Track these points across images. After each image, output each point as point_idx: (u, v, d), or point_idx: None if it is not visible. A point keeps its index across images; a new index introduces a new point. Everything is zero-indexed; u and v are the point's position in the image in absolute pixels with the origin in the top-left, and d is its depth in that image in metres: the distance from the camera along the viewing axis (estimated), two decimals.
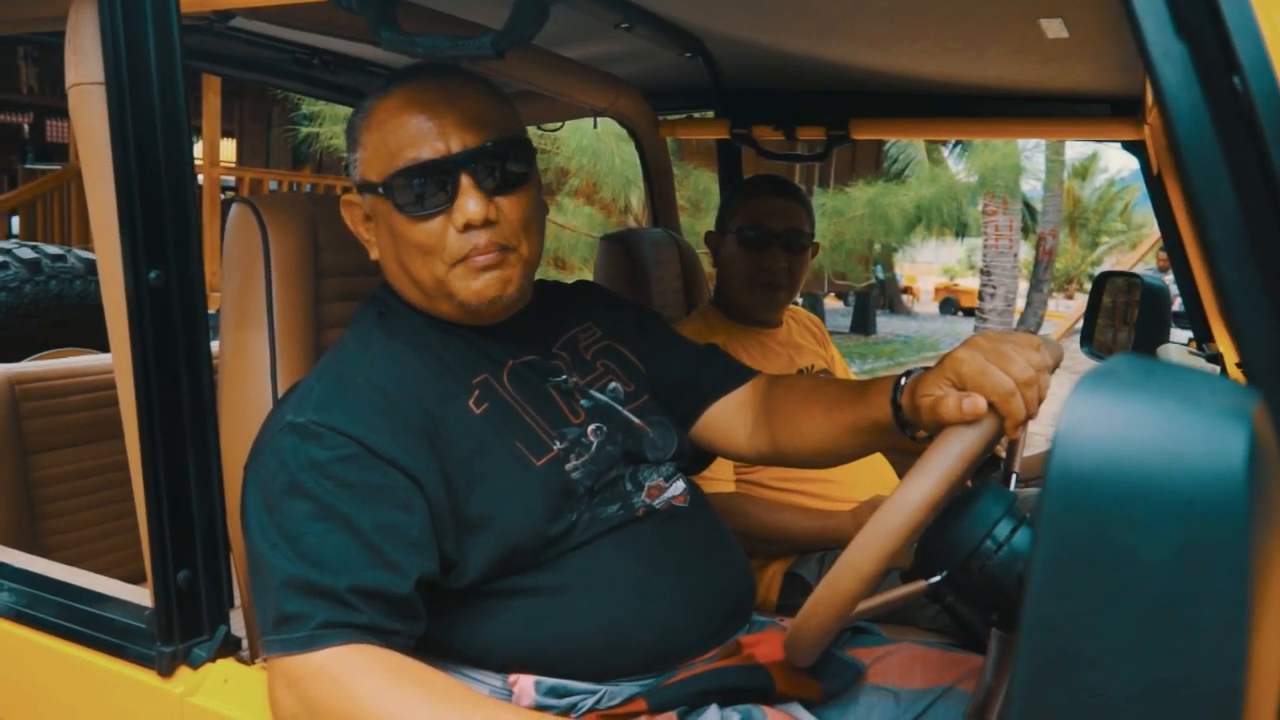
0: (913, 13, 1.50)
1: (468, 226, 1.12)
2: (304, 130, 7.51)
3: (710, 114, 2.41)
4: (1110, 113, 2.00)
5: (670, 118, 2.53)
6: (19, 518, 1.91)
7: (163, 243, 1.10)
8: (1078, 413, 0.46)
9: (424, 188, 1.12)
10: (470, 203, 1.12)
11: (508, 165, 1.16)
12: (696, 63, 2.08)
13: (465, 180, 1.12)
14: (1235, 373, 1.74)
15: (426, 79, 1.16)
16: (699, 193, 7.34)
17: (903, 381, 1.11)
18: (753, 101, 2.30)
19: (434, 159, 1.12)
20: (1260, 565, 0.44)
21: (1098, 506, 0.45)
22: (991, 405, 0.94)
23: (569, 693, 1.12)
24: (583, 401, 1.26)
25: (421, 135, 1.13)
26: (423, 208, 1.13)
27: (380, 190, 1.15)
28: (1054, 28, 1.46)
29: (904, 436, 1.13)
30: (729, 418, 1.37)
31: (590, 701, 1.12)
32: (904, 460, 2.27)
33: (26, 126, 13.26)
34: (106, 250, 1.13)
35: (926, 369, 1.06)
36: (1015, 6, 1.40)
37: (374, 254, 1.23)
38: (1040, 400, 0.97)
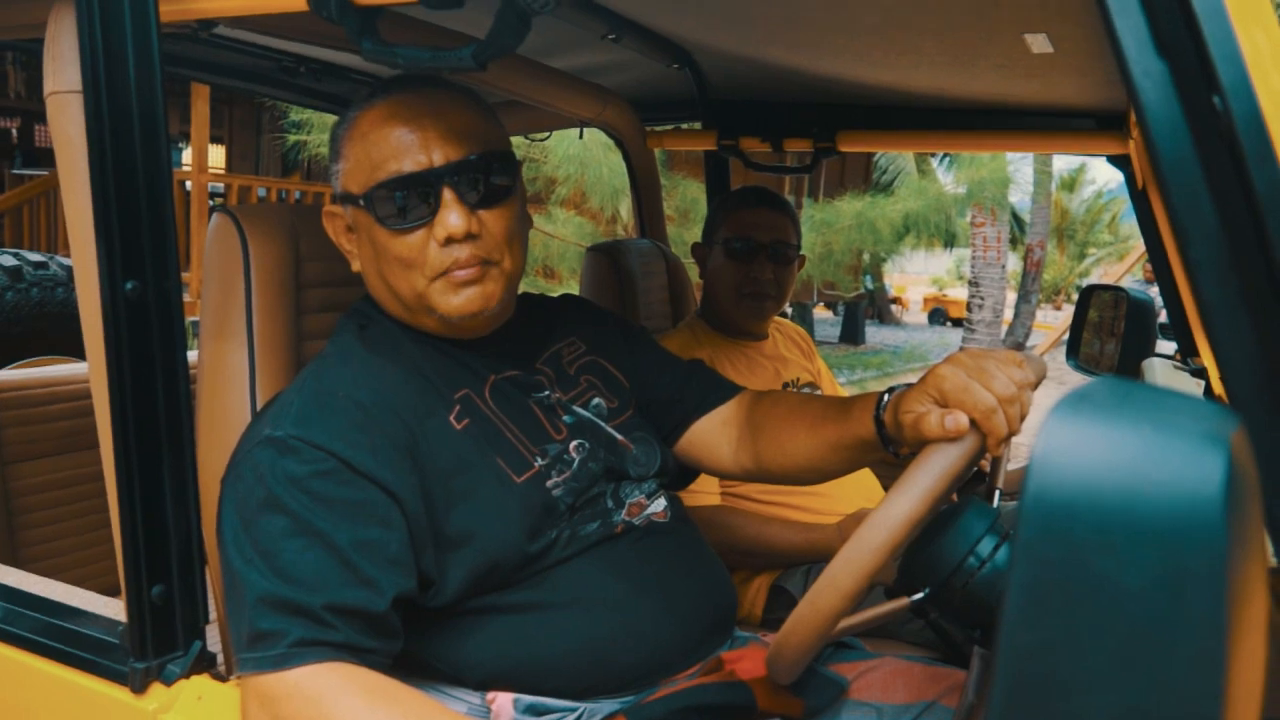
0: (900, 27, 1.51)
1: (449, 240, 1.11)
2: (293, 137, 7.50)
3: (698, 125, 2.41)
4: (1095, 127, 2.01)
5: (658, 129, 2.53)
6: None
7: (140, 253, 1.09)
8: (1054, 437, 0.45)
9: (406, 200, 1.12)
10: (452, 216, 1.11)
11: (491, 178, 1.15)
12: (684, 74, 2.08)
13: (447, 193, 1.11)
14: (1220, 387, 1.74)
15: (410, 91, 1.16)
16: (687, 203, 7.34)
17: (885, 398, 1.10)
18: (740, 113, 2.30)
19: (416, 172, 1.11)
20: (1238, 593, 0.43)
21: (1074, 532, 0.44)
22: (974, 422, 0.94)
23: (548, 710, 1.11)
24: (565, 417, 1.25)
25: (404, 148, 1.12)
26: (404, 221, 1.12)
27: (362, 202, 1.14)
28: (1039, 43, 1.46)
29: (887, 453, 1.12)
30: (713, 434, 1.37)
31: (570, 719, 1.11)
32: (891, 473, 2.26)
33: (14, 131, 13.19)
34: (83, 259, 1.12)
35: (909, 385, 1.06)
36: (1001, 22, 1.40)
37: (356, 266, 1.22)
38: (1023, 417, 0.97)
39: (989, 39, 1.50)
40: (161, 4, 1.08)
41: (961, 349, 1.04)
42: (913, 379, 1.07)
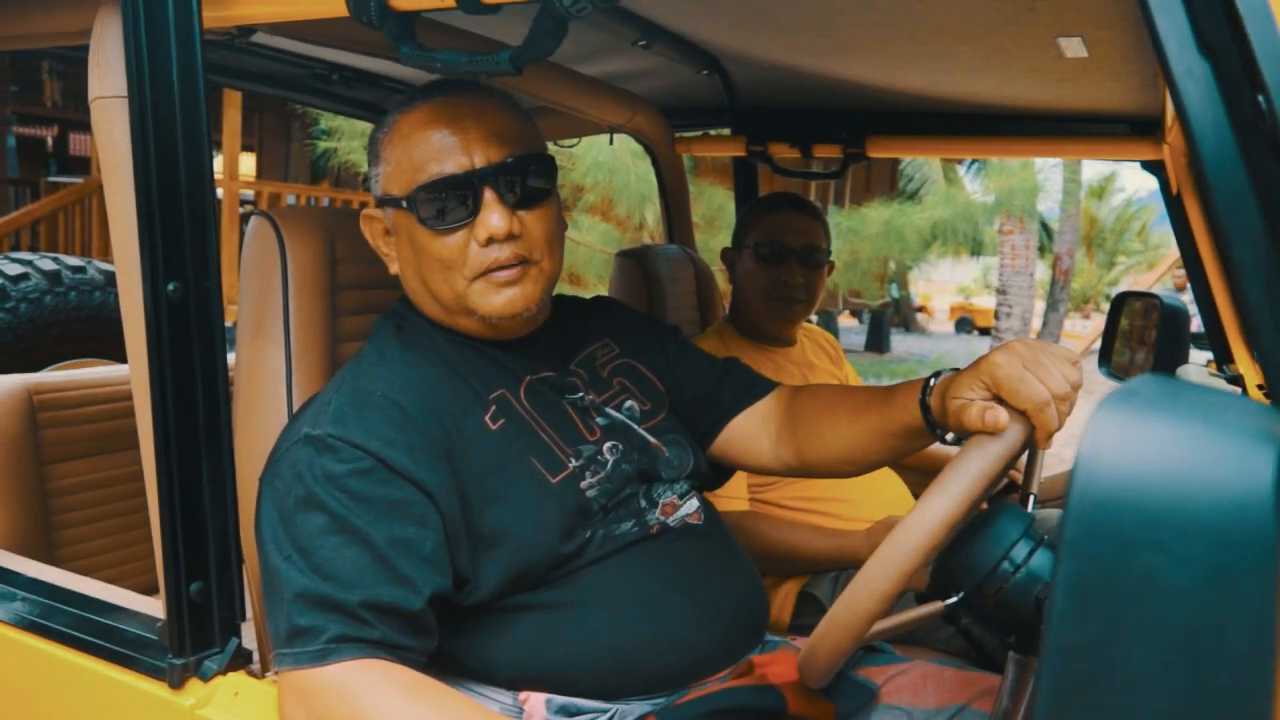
0: (931, 31, 1.50)
1: (490, 240, 1.13)
2: (322, 145, 7.56)
3: (727, 131, 2.42)
4: (1129, 132, 1.99)
5: (686, 135, 2.53)
6: (34, 527, 1.92)
7: (182, 255, 1.11)
8: (1101, 433, 0.45)
9: (447, 202, 1.13)
10: (493, 216, 1.12)
11: (529, 180, 1.16)
12: (713, 80, 2.08)
13: (488, 194, 1.13)
14: (1256, 395, 1.72)
15: (450, 94, 1.17)
16: (714, 210, 7.34)
17: (932, 383, 1.10)
18: (769, 119, 2.30)
19: (457, 173, 1.12)
20: None
21: (1122, 529, 0.44)
22: (1024, 414, 0.94)
23: (580, 711, 1.11)
24: (599, 419, 1.26)
25: (445, 150, 1.13)
26: (445, 222, 1.13)
27: (403, 204, 1.15)
28: (1073, 47, 1.46)
29: (933, 437, 1.12)
30: (753, 430, 1.37)
31: None
32: (918, 480, 2.25)
33: (50, 139, 13.41)
34: (126, 262, 1.14)
35: (956, 370, 1.05)
36: (1034, 26, 1.39)
37: (393, 269, 1.23)
38: (1069, 415, 0.96)
39: (1022, 43, 1.50)
40: (204, 10, 1.10)
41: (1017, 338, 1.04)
42: None
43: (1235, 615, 0.42)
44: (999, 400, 0.97)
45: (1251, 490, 0.43)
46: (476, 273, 1.14)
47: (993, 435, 0.94)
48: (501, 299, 1.15)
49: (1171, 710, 0.43)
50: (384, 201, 1.20)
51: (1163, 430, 0.45)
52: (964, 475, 0.91)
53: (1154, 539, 0.43)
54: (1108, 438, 0.45)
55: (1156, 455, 0.44)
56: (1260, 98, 0.64)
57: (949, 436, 1.10)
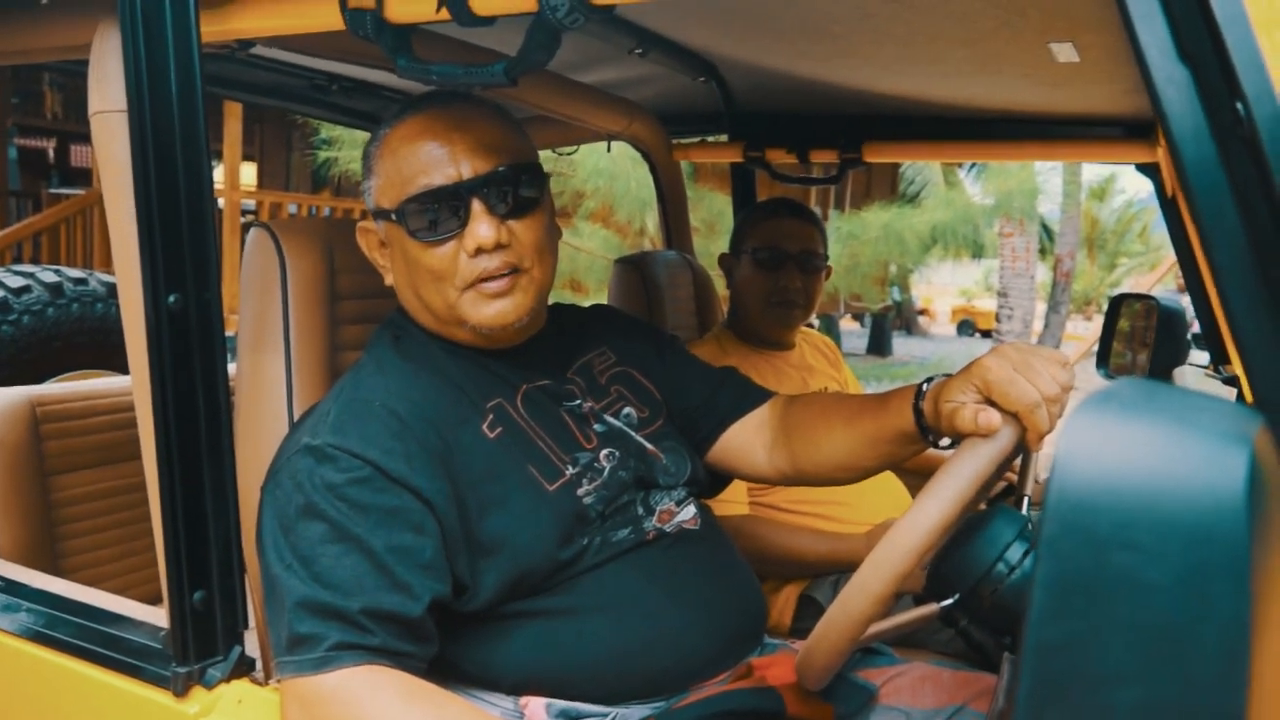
0: (926, 37, 1.51)
1: (479, 251, 1.13)
2: (323, 154, 7.60)
3: (724, 137, 2.43)
4: (1124, 135, 2.00)
5: (684, 141, 2.55)
6: (38, 538, 1.93)
7: (182, 267, 1.12)
8: (1078, 435, 0.46)
9: (436, 214, 1.14)
10: (482, 227, 1.13)
11: (519, 190, 1.17)
12: (710, 87, 2.10)
13: (477, 205, 1.14)
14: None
15: (439, 106, 1.18)
16: (713, 215, 7.36)
17: (925, 388, 1.11)
18: (766, 125, 2.31)
19: (446, 185, 1.14)
20: (1261, 589, 0.44)
21: (1098, 530, 0.45)
22: (1015, 416, 0.94)
23: (580, 715, 1.12)
24: (596, 426, 1.27)
25: (433, 162, 1.14)
26: (435, 233, 1.14)
27: (394, 217, 1.16)
28: (1064, 52, 1.47)
29: (926, 443, 1.13)
30: (748, 439, 1.38)
31: None
32: (917, 483, 2.26)
33: (51, 151, 13.46)
34: (127, 274, 1.15)
35: (949, 375, 1.06)
36: (1026, 31, 1.40)
37: (389, 279, 1.25)
38: (1060, 416, 0.97)
39: (1015, 48, 1.51)
40: (203, 24, 1.11)
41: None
42: None
43: (1210, 612, 0.43)
44: (990, 403, 0.98)
45: (1225, 490, 0.44)
46: (467, 283, 1.15)
47: (985, 437, 0.95)
48: (492, 310, 1.16)
49: (1148, 706, 0.44)
50: (376, 214, 1.21)
51: (1139, 431, 0.46)
52: (956, 478, 0.92)
53: (1130, 538, 0.44)
54: (1085, 439, 0.46)
55: (1132, 456, 0.45)
56: (1239, 105, 0.65)
57: (943, 442, 1.11)
